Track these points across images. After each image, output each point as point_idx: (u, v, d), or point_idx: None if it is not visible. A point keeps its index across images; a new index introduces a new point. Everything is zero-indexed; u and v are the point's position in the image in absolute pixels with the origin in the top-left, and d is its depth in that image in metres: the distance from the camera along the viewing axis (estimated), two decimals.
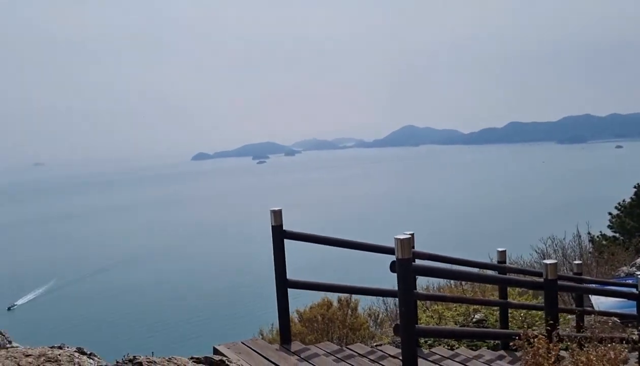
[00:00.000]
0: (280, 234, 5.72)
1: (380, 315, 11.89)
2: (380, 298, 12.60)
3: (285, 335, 5.96)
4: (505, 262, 7.79)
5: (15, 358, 3.73)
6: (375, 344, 7.49)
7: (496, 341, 7.77)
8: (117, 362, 4.26)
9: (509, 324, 7.90)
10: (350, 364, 5.70)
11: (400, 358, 6.02)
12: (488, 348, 7.65)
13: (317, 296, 9.15)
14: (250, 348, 5.50)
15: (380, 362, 6.03)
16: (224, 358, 4.62)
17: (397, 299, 11.18)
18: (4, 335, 4.64)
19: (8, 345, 4.52)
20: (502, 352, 7.32)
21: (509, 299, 7.83)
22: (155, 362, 4.12)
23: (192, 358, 4.43)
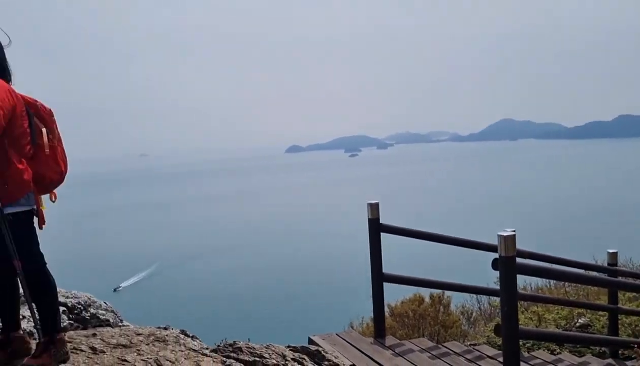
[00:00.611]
0: (377, 228, 5.69)
1: (474, 314, 11.56)
2: (474, 295, 12.23)
3: (379, 329, 5.92)
4: (616, 264, 7.31)
5: (127, 335, 3.95)
6: (470, 343, 7.28)
7: (602, 349, 7.32)
8: (218, 346, 4.42)
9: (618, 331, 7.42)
10: (446, 362, 5.57)
11: (499, 359, 5.82)
12: (593, 355, 7.22)
13: (407, 291, 9.03)
14: (345, 340, 5.51)
15: (478, 362, 5.85)
16: (320, 349, 4.67)
17: (491, 297, 10.87)
18: (116, 314, 4.94)
19: (120, 324, 4.82)
20: (610, 360, 6.89)
21: (619, 305, 7.34)
22: (254, 348, 4.23)
23: (289, 346, 4.51)
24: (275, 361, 4.05)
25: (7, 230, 3.14)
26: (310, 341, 5.43)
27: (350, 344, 5.39)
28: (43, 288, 3.42)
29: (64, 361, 3.41)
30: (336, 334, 5.70)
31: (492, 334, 7.53)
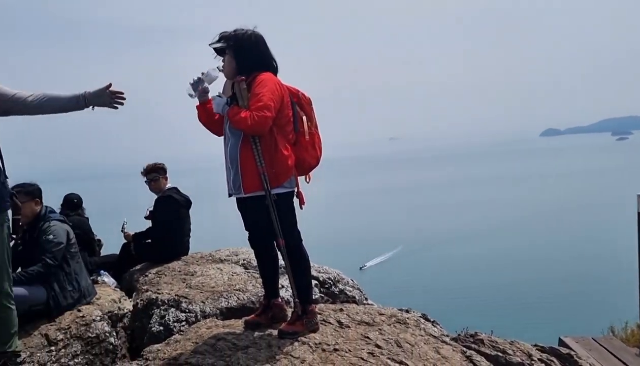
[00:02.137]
0: None
1: None
2: None
3: None
4: None
5: (370, 314, 4.09)
6: None
7: None
8: (459, 334, 4.31)
9: None
10: None
11: None
12: None
13: None
14: (603, 346, 4.94)
15: None
16: (572, 353, 4.25)
17: None
18: (361, 292, 5.17)
19: (364, 302, 5.03)
20: None
21: None
22: (496, 342, 4.03)
23: (535, 345, 4.20)
24: (519, 360, 3.81)
25: (274, 209, 3.49)
26: (561, 343, 5.00)
27: (611, 353, 4.81)
28: (299, 262, 3.71)
29: (314, 331, 3.67)
30: (592, 338, 5.14)
31: None
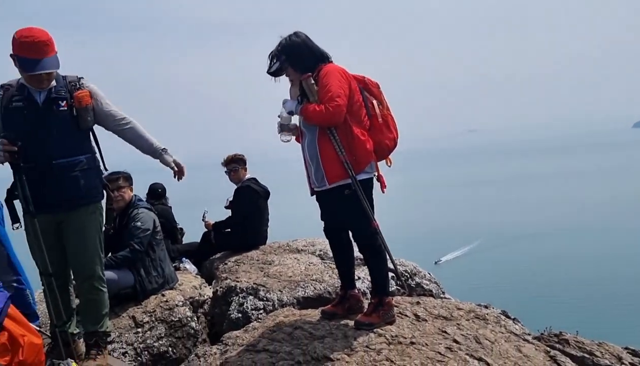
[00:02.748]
0: None
1: None
2: None
3: None
4: None
5: (448, 308, 4.00)
6: None
7: None
8: (541, 333, 4.15)
9: None
10: None
11: None
12: None
13: None
14: None
15: None
16: None
17: None
18: (439, 286, 5.08)
19: (442, 296, 4.94)
20: None
21: None
22: (583, 343, 3.85)
23: (626, 348, 3.97)
24: (608, 362, 3.61)
25: (362, 195, 3.49)
26: None
27: None
28: (375, 253, 3.70)
29: (390, 323, 3.64)
30: None
31: None
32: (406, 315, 3.81)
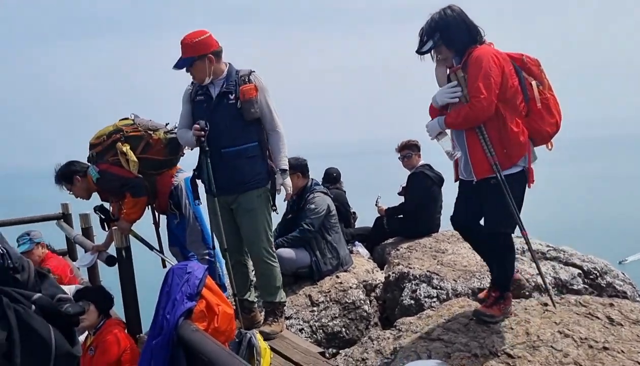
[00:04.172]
0: None
1: None
2: None
3: None
4: None
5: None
6: None
7: None
8: None
9: None
10: None
11: None
12: None
13: None
14: None
15: None
16: None
17: None
18: (634, 287, 4.57)
19: (638, 299, 4.44)
20: None
21: None
22: None
23: None
24: None
25: (507, 191, 3.24)
26: None
27: None
28: (504, 251, 3.48)
29: (507, 317, 3.47)
30: None
31: None
32: (597, 317, 3.47)
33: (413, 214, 6.13)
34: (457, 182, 3.61)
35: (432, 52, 3.42)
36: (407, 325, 3.84)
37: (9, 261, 1.80)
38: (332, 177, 6.84)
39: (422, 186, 6.08)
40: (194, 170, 4.01)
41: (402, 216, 6.31)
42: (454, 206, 3.66)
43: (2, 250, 1.80)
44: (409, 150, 6.26)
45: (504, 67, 3.24)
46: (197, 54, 3.73)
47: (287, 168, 3.98)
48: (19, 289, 1.80)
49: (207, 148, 3.79)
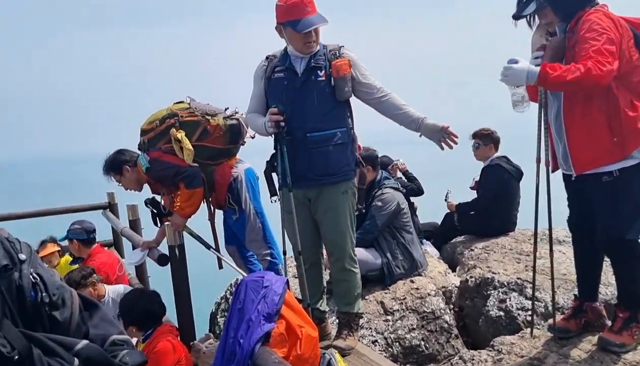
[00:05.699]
0: None
1: None
2: None
3: None
4: None
5: None
6: None
7: None
8: None
9: None
10: None
11: None
12: None
13: None
14: None
15: None
16: None
17: None
18: None
19: None
20: None
21: None
22: None
23: None
24: None
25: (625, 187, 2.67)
26: None
27: None
28: (626, 259, 2.83)
29: None
30: None
31: None
32: None
33: (487, 211, 5.54)
34: (554, 173, 3.02)
35: (532, 16, 2.88)
36: (507, 346, 3.28)
37: (44, 294, 1.29)
38: (386, 168, 6.23)
39: (497, 179, 5.47)
40: (267, 161, 3.48)
41: (474, 212, 5.72)
42: (568, 206, 3.12)
43: (33, 278, 1.28)
44: (477, 140, 5.64)
45: (622, 36, 2.62)
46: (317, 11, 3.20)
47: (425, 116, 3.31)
48: (56, 335, 1.28)
49: (286, 136, 3.25)
